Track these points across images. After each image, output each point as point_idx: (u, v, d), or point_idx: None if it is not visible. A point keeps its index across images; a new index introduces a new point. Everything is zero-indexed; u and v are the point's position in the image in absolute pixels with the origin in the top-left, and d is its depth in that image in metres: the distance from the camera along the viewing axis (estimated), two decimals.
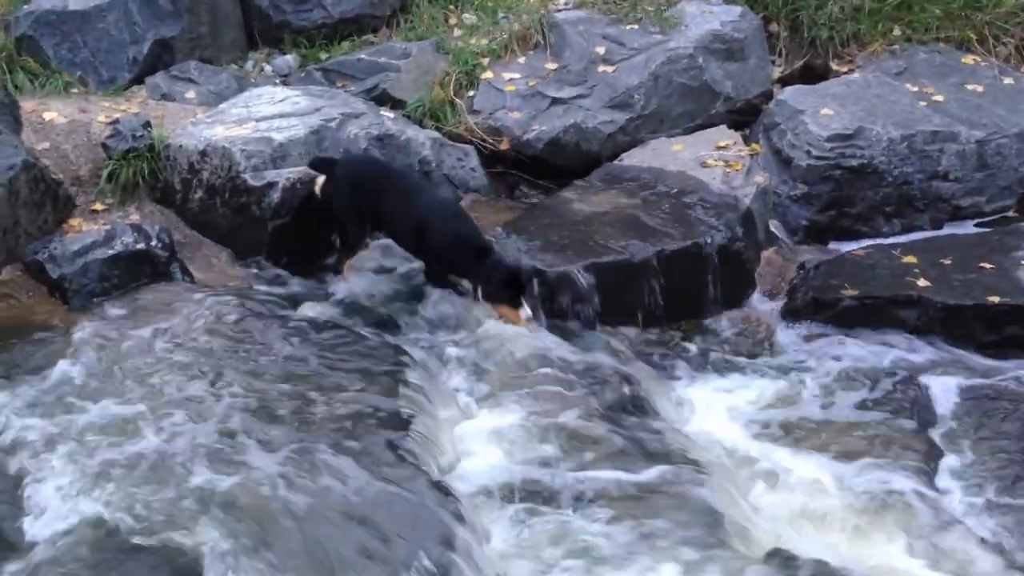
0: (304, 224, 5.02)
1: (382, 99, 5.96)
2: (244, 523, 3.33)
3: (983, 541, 3.64)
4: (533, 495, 3.67)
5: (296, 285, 4.93)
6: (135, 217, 5.15)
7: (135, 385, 4.01)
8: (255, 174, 4.99)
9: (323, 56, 6.53)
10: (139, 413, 3.84)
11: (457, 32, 6.55)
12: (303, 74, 6.37)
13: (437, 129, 5.80)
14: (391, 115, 5.63)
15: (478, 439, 3.98)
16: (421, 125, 5.78)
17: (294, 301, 4.73)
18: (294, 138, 5.13)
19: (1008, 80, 5.96)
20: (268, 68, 6.54)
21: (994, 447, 4.03)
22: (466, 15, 6.72)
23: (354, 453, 3.65)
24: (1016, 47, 6.28)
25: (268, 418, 3.80)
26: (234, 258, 5.09)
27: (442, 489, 3.57)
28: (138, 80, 6.25)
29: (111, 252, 4.72)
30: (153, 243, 4.81)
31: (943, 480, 3.91)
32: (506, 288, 4.43)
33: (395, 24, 6.78)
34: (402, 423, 3.84)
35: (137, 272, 4.74)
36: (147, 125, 5.32)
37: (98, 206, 5.20)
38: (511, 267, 4.49)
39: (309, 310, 4.62)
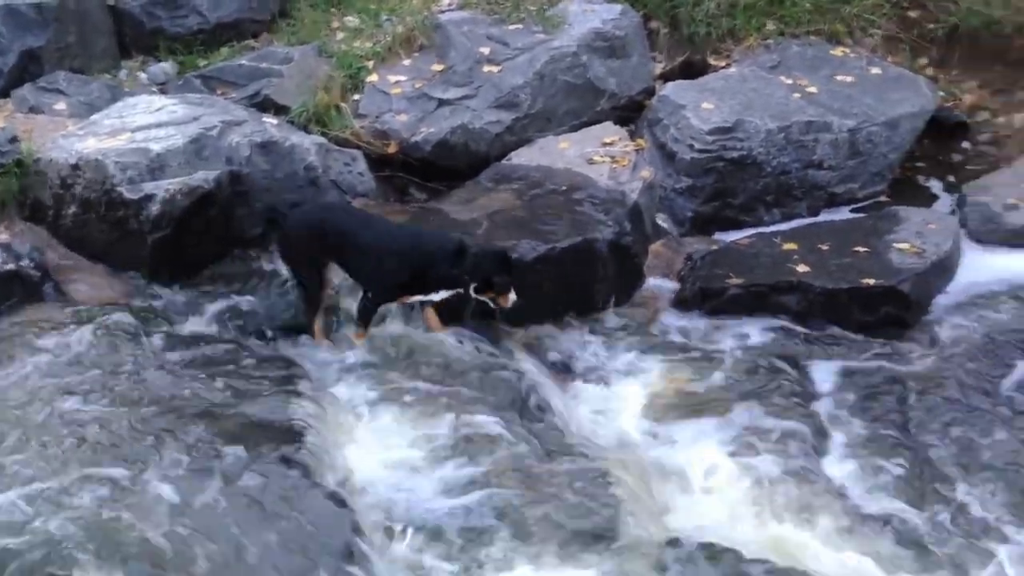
0: (186, 236, 4.88)
1: (265, 105, 5.83)
2: (132, 546, 3.22)
3: (867, 511, 3.80)
4: (431, 499, 3.67)
5: (180, 299, 4.79)
6: (4, 236, 4.92)
7: (4, 412, 3.82)
8: (131, 186, 4.83)
9: (201, 63, 6.38)
10: (8, 442, 3.67)
11: (340, 35, 6.46)
12: (181, 82, 6.21)
13: (323, 134, 5.70)
14: (274, 121, 5.53)
15: (374, 447, 3.96)
16: (306, 131, 5.68)
17: (178, 316, 4.60)
18: (172, 148, 4.98)
19: (876, 70, 6.19)
20: (143, 76, 6.36)
21: (874, 421, 4.21)
22: (348, 18, 6.65)
23: (245, 469, 3.58)
24: (882, 38, 6.54)
25: (152, 439, 3.69)
26: (113, 274, 4.90)
27: (338, 500, 3.54)
28: (3, 93, 5.99)
29: None
30: (23, 262, 4.62)
31: (828, 456, 4.07)
32: (499, 271, 4.32)
33: (276, 29, 6.67)
34: (294, 435, 3.78)
35: (7, 293, 4.55)
36: (14, 140, 5.10)
37: None
38: (495, 249, 4.41)
39: (193, 325, 4.50)
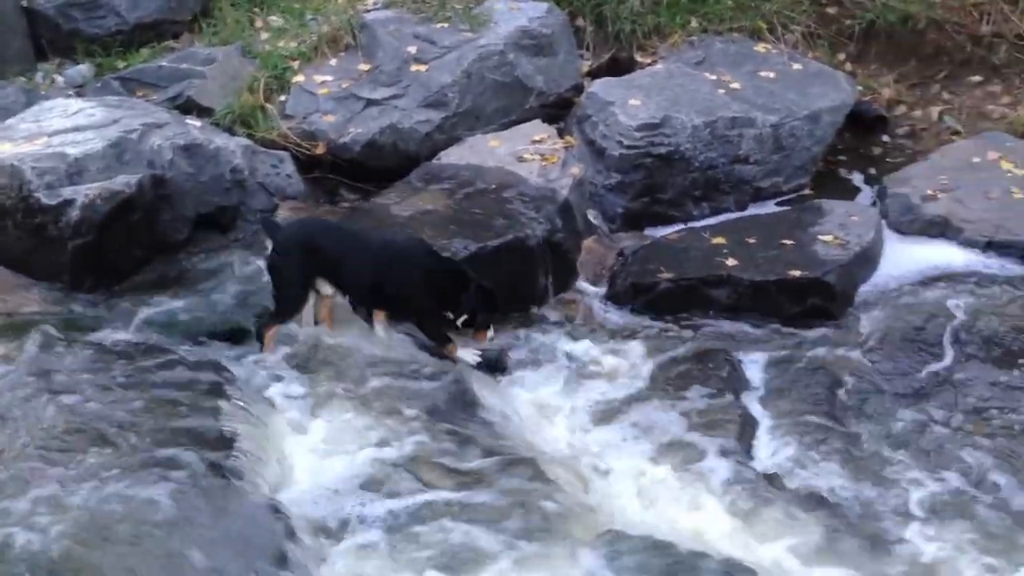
0: (108, 242, 4.75)
1: (187, 107, 5.73)
2: (57, 560, 3.12)
3: (800, 497, 3.87)
4: (367, 503, 3.63)
5: (103, 307, 4.66)
6: None
7: None
8: (49, 192, 4.70)
9: (120, 65, 6.25)
10: None
11: (264, 35, 6.37)
12: (99, 84, 6.07)
13: (249, 136, 5.62)
14: (198, 123, 5.42)
15: (308, 452, 3.91)
16: (231, 133, 5.59)
17: (102, 325, 4.47)
18: (91, 152, 4.86)
19: (797, 66, 6.33)
20: (60, 79, 6.20)
21: (801, 411, 4.29)
22: (272, 17, 6.56)
23: (175, 478, 3.49)
24: (802, 34, 6.70)
25: (77, 451, 3.57)
26: (33, 284, 4.75)
27: (271, 507, 3.49)
28: None
29: None
30: None
31: (758, 446, 4.14)
32: (486, 308, 4.29)
33: (197, 29, 6.54)
34: (225, 442, 3.71)
35: None
36: None
37: None
38: (487, 287, 4.32)
39: (119, 333, 4.38)
